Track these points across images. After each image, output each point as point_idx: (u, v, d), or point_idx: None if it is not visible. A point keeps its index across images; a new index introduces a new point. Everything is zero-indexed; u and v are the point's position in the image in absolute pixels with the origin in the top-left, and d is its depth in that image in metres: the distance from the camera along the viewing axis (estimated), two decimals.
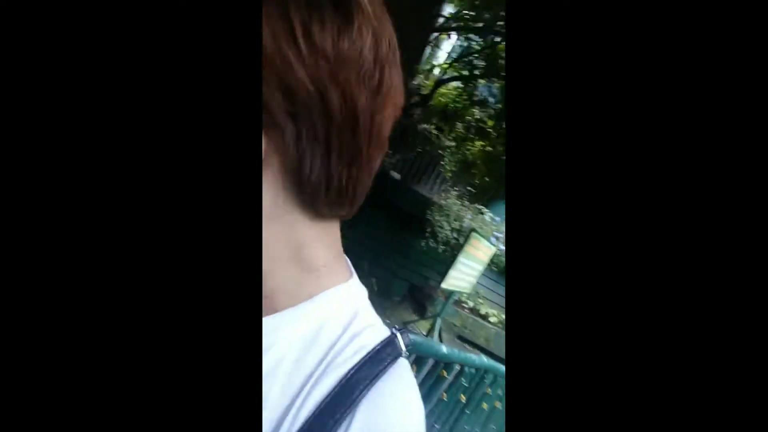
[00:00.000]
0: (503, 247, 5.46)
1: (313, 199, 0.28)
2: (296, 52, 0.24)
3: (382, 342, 0.30)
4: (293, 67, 0.24)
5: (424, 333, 4.24)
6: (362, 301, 0.33)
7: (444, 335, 4.58)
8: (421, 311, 5.02)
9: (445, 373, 2.00)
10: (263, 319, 0.29)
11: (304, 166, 0.26)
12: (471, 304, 5.81)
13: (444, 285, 3.84)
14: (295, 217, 0.29)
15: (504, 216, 5.66)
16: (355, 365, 0.28)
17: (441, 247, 4.84)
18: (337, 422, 0.26)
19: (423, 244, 4.82)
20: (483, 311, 5.90)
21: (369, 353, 0.29)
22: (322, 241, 0.31)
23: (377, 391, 0.27)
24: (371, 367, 0.28)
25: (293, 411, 0.27)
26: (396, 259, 4.94)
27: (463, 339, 5.40)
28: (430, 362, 1.84)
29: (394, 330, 0.32)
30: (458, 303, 5.42)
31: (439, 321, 4.23)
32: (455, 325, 5.45)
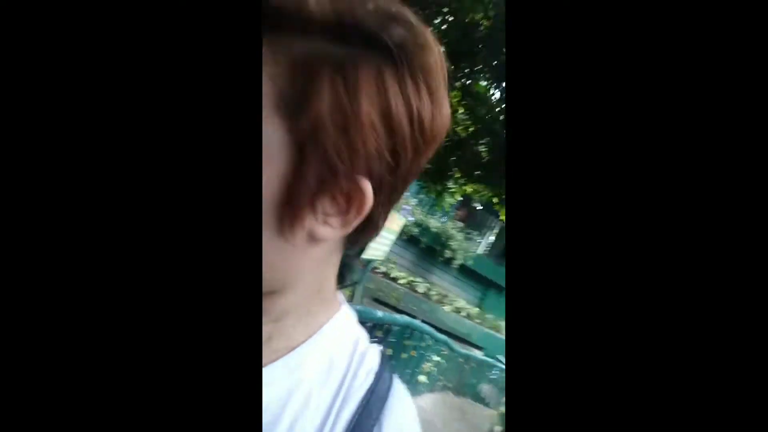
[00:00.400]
0: (411, 218, 6.13)
1: (364, 239, 0.31)
2: (410, 132, 0.26)
3: (380, 363, 0.34)
4: (406, 146, 0.26)
5: (346, 299, 4.72)
6: (356, 323, 0.36)
7: (363, 299, 5.12)
8: (340, 280, 5.47)
9: (379, 333, 2.50)
10: (286, 357, 0.31)
11: (374, 214, 0.28)
12: (383, 269, 6.45)
13: (364, 255, 4.33)
14: (334, 252, 0.31)
15: (411, 190, 6.30)
16: (370, 387, 0.32)
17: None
18: (372, 427, 0.30)
19: None
20: (393, 275, 6.60)
21: (377, 375, 0.33)
22: (336, 270, 0.33)
23: (394, 405, 0.32)
24: (382, 387, 0.32)
25: (328, 427, 0.30)
26: None
27: (377, 300, 6.04)
28: (368, 325, 2.31)
29: (377, 346, 0.36)
30: (372, 269, 6.00)
31: (360, 288, 4.75)
32: (370, 289, 6.05)
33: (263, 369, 0.30)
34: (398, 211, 5.10)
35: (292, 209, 0.27)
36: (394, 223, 4.90)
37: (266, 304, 0.30)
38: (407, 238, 6.63)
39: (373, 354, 0.35)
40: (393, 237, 5.10)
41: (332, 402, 0.31)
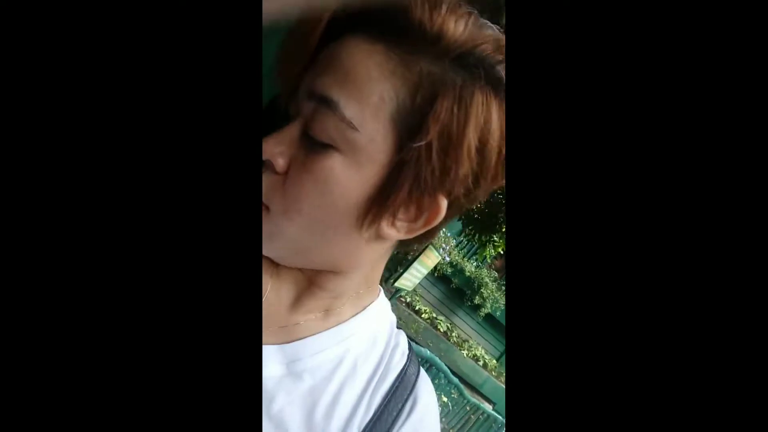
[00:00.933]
0: (447, 258, 6.25)
1: (417, 244, 0.34)
2: (495, 161, 0.29)
3: (409, 346, 0.40)
4: (488, 174, 0.29)
5: None
6: (390, 309, 0.41)
7: None
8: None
9: None
10: (337, 328, 0.35)
11: (436, 228, 0.32)
12: (408, 299, 6.55)
13: (396, 284, 4.49)
14: (389, 250, 0.35)
15: (452, 230, 6.43)
16: (404, 366, 0.37)
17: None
18: (404, 404, 0.35)
19: None
20: (417, 307, 6.67)
21: (408, 357, 0.38)
22: (383, 264, 0.37)
23: (423, 384, 0.37)
24: (413, 368, 0.37)
25: (366, 398, 0.34)
26: None
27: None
28: None
29: (401, 330, 0.41)
30: (398, 297, 6.13)
31: None
32: None
33: (319, 335, 0.35)
34: (437, 249, 5.24)
35: (377, 210, 0.30)
36: (430, 258, 5.05)
37: (330, 282, 0.35)
38: (439, 276, 6.71)
39: (403, 337, 0.40)
40: (425, 271, 5.23)
41: (373, 373, 0.36)
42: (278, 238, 0.33)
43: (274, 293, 0.36)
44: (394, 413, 0.35)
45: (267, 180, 0.31)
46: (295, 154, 0.30)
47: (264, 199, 0.32)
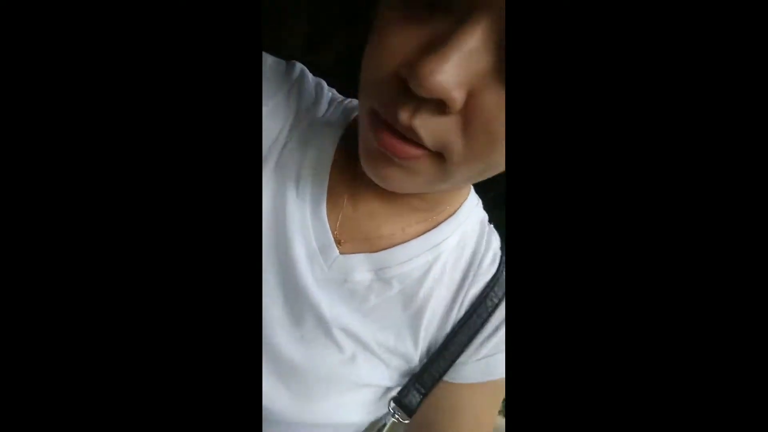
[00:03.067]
0: None
1: None
2: None
3: (501, 246, 0.39)
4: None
5: None
6: (481, 206, 0.40)
7: None
8: None
9: None
10: (426, 234, 0.35)
11: None
12: None
13: None
14: None
15: None
16: (496, 273, 0.37)
17: None
18: (495, 309, 0.35)
19: None
20: None
21: (502, 258, 0.38)
22: None
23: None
24: (504, 273, 0.37)
25: (458, 302, 0.35)
26: None
27: None
28: None
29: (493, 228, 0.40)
30: None
31: None
32: None
33: (406, 244, 0.34)
34: None
35: None
36: None
37: (429, 202, 0.35)
38: None
39: (495, 237, 0.39)
40: None
41: (463, 279, 0.36)
42: (437, 184, 0.27)
43: (352, 206, 0.35)
44: (484, 315, 0.36)
45: (433, 120, 0.23)
46: (480, 82, 0.22)
47: (431, 143, 0.24)
